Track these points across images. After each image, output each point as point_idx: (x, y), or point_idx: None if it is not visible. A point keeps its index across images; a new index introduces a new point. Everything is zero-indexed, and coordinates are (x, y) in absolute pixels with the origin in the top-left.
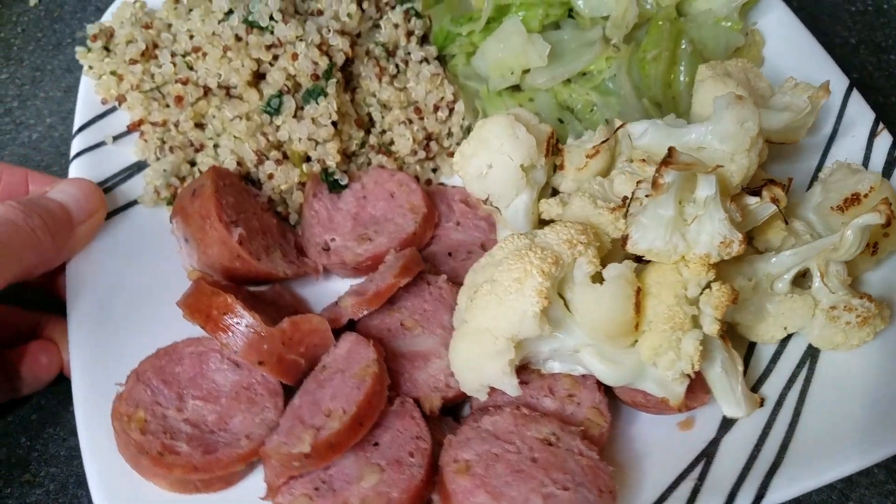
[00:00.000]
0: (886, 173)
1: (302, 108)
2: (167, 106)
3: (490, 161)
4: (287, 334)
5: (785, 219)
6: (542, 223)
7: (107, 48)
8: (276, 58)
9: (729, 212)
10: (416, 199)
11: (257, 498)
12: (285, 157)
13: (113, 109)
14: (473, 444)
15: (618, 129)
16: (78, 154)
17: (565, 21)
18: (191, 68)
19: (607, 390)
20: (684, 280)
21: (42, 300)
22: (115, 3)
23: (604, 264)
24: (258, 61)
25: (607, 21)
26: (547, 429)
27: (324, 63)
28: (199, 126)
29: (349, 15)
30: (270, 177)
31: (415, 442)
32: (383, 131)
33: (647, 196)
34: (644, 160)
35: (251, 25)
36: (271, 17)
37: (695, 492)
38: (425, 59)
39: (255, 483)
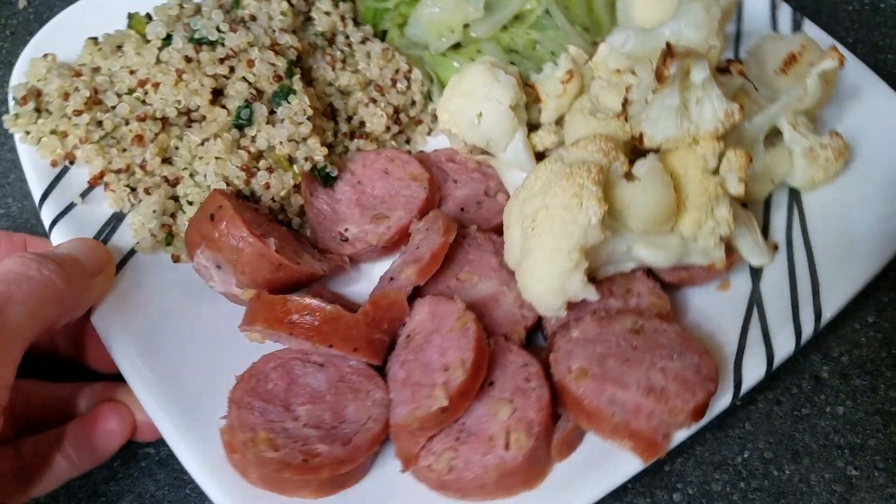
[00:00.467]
0: None
1: (273, 112)
2: (124, 150)
3: (479, 109)
4: (370, 315)
5: (755, 86)
6: (538, 156)
7: (37, 109)
8: (232, 69)
9: (721, 88)
10: (413, 168)
11: (397, 474)
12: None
13: (66, 169)
14: (577, 353)
15: (598, 43)
16: (53, 223)
17: None
18: (144, 103)
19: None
20: (702, 156)
21: (70, 372)
22: (20, 63)
23: None
24: (215, 77)
25: None
26: (628, 321)
27: (282, 62)
28: (166, 161)
29: (283, 13)
30: (267, 186)
31: (525, 369)
32: (349, 117)
33: (652, 92)
34: (618, 70)
35: (199, 43)
36: (218, 30)
37: (765, 332)
38: (366, 39)
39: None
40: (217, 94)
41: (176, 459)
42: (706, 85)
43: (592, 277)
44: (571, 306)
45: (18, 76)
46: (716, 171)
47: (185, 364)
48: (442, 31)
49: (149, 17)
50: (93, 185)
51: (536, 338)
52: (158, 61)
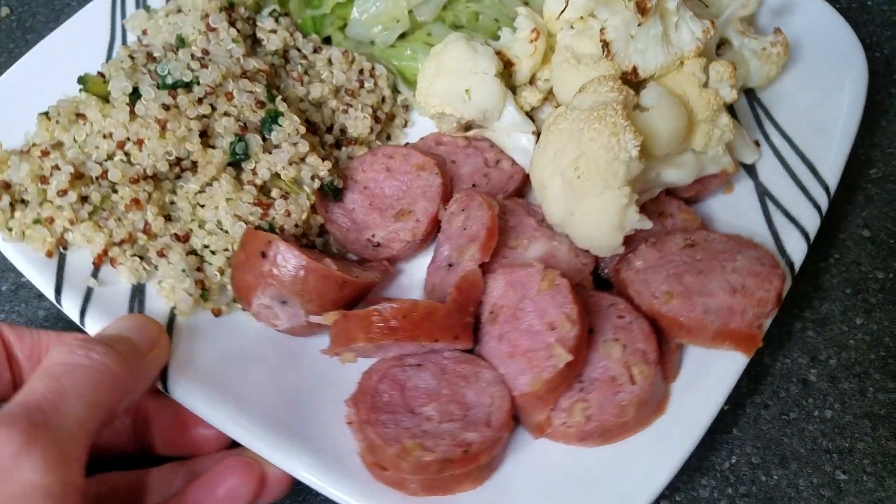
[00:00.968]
0: None
1: (266, 139)
2: (120, 219)
3: (466, 85)
4: (458, 301)
5: (705, 3)
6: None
7: (12, 203)
8: (213, 107)
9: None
10: (416, 159)
11: (530, 444)
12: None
13: (63, 255)
14: (652, 280)
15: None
16: (82, 314)
17: None
18: (130, 164)
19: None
20: (692, 73)
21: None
22: None
23: None
24: (199, 119)
25: None
26: (679, 239)
27: (259, 88)
28: (167, 218)
29: (235, 41)
30: (288, 214)
31: (614, 308)
32: (329, 128)
33: (637, 25)
34: (582, 17)
35: (174, 87)
36: (190, 69)
37: (787, 214)
38: (318, 47)
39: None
40: (202, 136)
41: None
42: (679, 9)
43: None
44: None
45: None
46: (705, 85)
47: (281, 405)
48: (387, 22)
49: (101, 75)
50: (98, 264)
51: None
52: (134, 117)
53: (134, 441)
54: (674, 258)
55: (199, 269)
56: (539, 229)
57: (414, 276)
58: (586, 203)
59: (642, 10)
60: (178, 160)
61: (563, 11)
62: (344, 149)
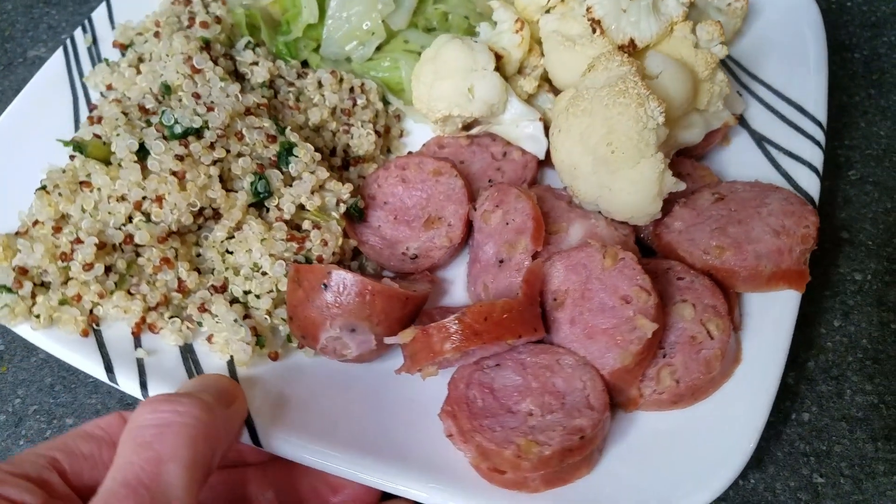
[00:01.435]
0: None
1: (284, 172)
2: (150, 282)
3: (468, 84)
4: (529, 294)
5: None
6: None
7: (20, 295)
8: (227, 149)
9: None
10: (430, 165)
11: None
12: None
13: (98, 331)
14: (697, 238)
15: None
16: (144, 389)
17: None
18: (151, 223)
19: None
20: (684, 37)
21: None
22: None
23: None
24: (215, 164)
25: None
26: (707, 194)
27: (267, 122)
28: (197, 271)
29: (222, 79)
30: (325, 243)
31: (670, 272)
32: (332, 150)
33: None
34: (563, 1)
35: (185, 135)
36: (196, 113)
37: (790, 154)
38: (302, 73)
39: None
40: (220, 181)
41: None
42: None
43: None
44: None
45: None
46: (696, 46)
47: (375, 433)
48: (362, 36)
49: (97, 137)
50: (138, 333)
51: None
52: (147, 174)
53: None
54: (710, 213)
55: (246, 317)
56: (572, 211)
57: (446, 282)
58: (623, 176)
59: None
60: (201, 210)
61: None
62: (352, 168)
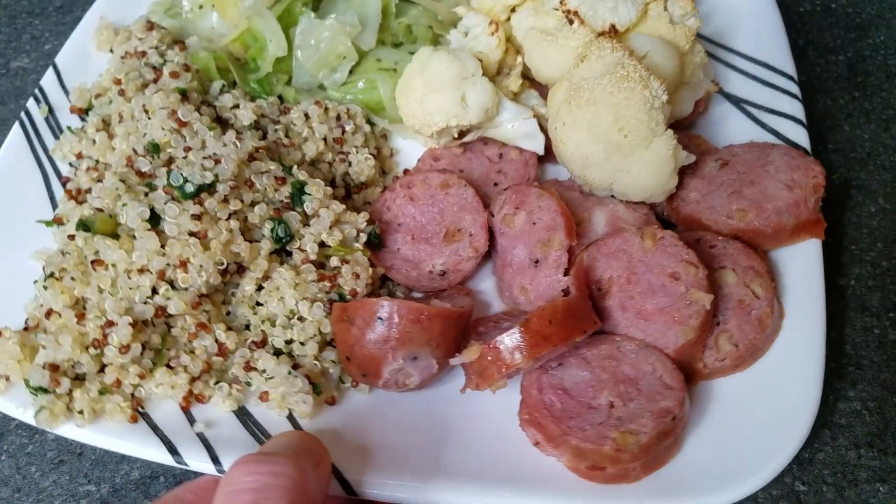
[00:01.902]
0: None
1: (299, 211)
2: (188, 351)
3: (460, 93)
4: (582, 289)
5: None
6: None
7: (57, 394)
8: (240, 200)
9: None
10: (436, 180)
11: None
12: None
13: (146, 414)
14: (717, 205)
15: None
16: (217, 465)
17: None
18: (180, 289)
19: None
20: (658, 15)
21: None
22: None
23: None
24: (235, 217)
25: None
26: (711, 161)
27: (273, 165)
28: (230, 329)
29: (210, 128)
30: (357, 276)
31: (701, 242)
32: (332, 181)
33: None
34: None
35: (198, 193)
36: (204, 168)
37: (773, 112)
38: (284, 109)
39: None
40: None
41: None
42: None
43: None
44: None
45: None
46: (671, 22)
47: (464, 459)
48: (334, 62)
49: (100, 211)
50: (187, 408)
51: None
52: (164, 240)
53: None
54: (721, 179)
55: (296, 366)
56: (587, 199)
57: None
58: (638, 157)
59: None
60: (226, 267)
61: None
62: (356, 196)
